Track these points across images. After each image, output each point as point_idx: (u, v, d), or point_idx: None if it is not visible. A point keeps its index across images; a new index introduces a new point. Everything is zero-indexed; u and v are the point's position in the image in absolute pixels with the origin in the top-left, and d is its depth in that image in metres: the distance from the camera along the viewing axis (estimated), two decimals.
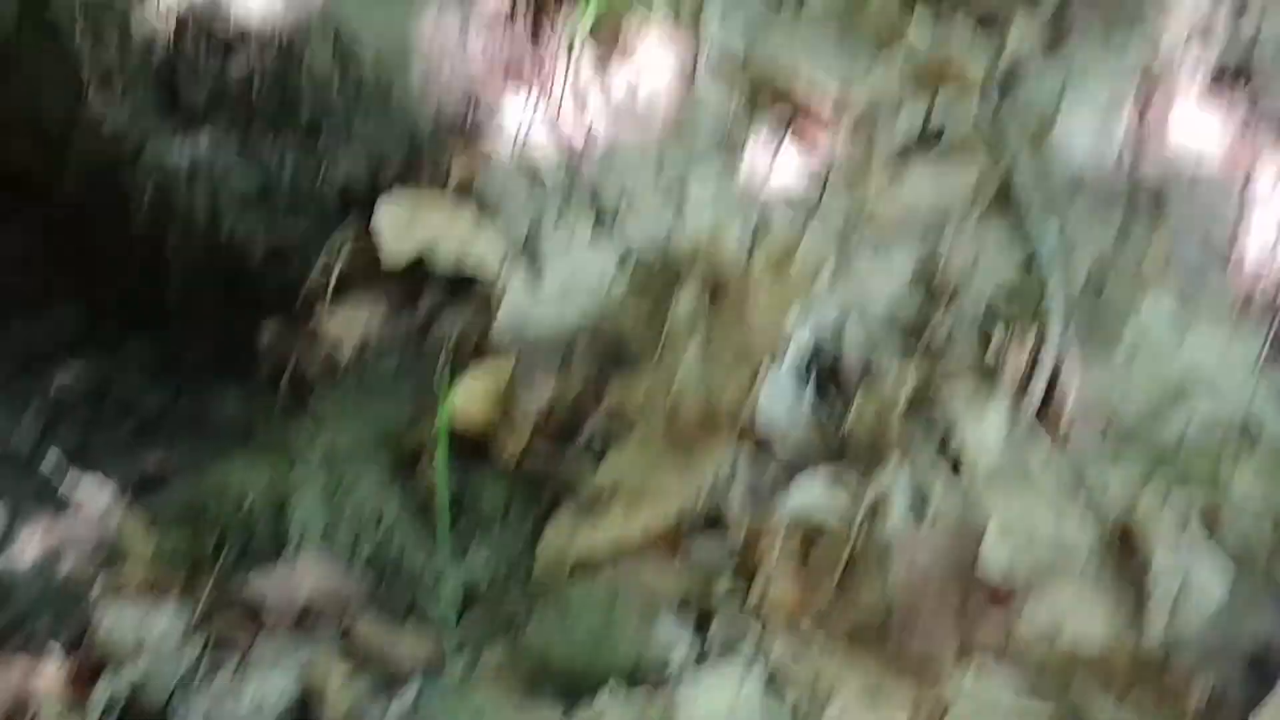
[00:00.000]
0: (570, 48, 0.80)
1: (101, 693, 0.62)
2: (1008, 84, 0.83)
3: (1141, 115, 0.80)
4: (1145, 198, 0.78)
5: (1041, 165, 0.79)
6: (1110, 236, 0.77)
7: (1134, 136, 0.79)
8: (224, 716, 0.65)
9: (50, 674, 0.63)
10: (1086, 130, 0.79)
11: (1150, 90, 0.80)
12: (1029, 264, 0.77)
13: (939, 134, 0.82)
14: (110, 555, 0.69)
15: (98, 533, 0.71)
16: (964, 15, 0.86)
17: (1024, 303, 0.76)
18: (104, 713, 0.61)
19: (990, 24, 0.86)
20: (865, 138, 0.82)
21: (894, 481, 0.72)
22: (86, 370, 0.88)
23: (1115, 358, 0.74)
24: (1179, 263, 0.77)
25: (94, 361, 0.87)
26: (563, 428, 0.73)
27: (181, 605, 0.66)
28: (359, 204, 0.79)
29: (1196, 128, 0.80)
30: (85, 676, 0.63)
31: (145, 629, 0.64)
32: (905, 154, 0.82)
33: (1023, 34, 0.85)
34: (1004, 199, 0.79)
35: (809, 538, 0.70)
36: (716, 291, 0.75)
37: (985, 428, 0.73)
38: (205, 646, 0.65)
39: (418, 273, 0.78)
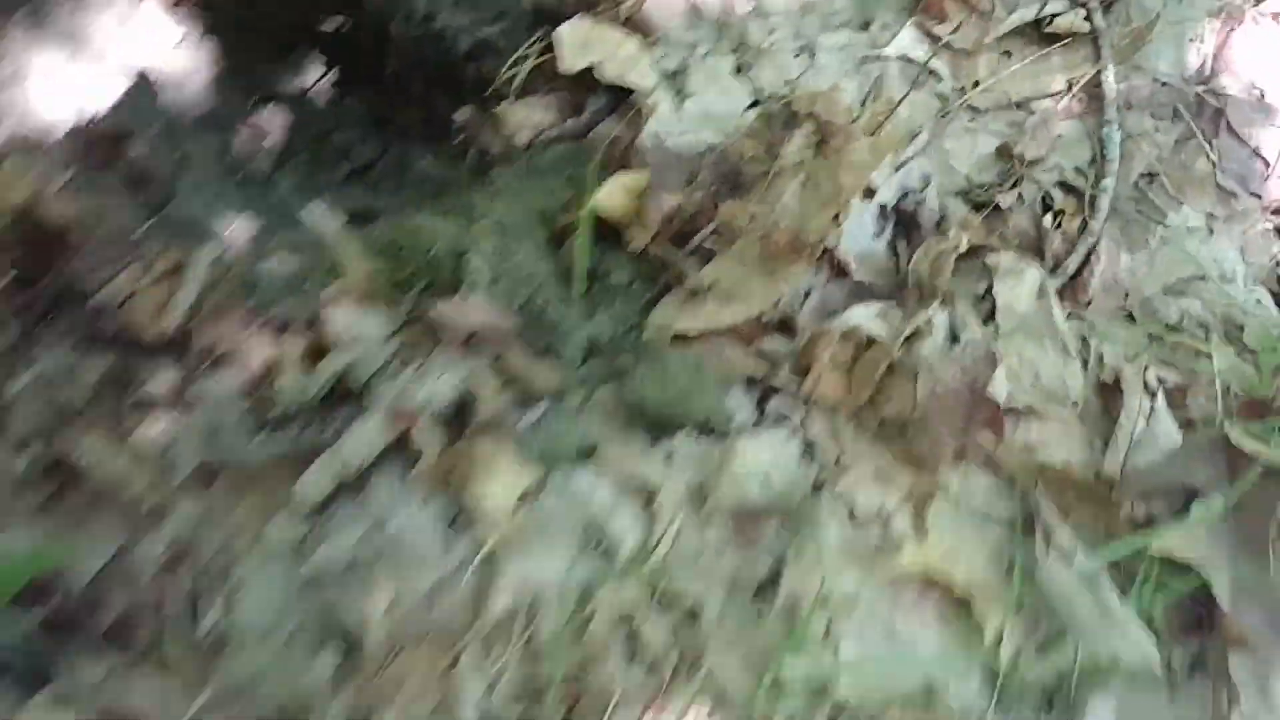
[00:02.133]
0: None
1: (326, 365, 0.86)
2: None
3: (1219, 44, 0.91)
4: (1208, 114, 0.91)
5: (1129, 73, 0.92)
6: (1169, 144, 0.90)
7: (1209, 61, 0.91)
8: (404, 401, 0.89)
9: (292, 346, 0.88)
10: (1172, 48, 0.91)
11: (1227, 22, 0.91)
12: (1093, 160, 0.91)
13: (1048, 29, 0.94)
14: (333, 269, 0.92)
15: (325, 251, 0.93)
16: None
17: (1079, 192, 0.91)
18: (326, 381, 0.86)
19: None
20: (983, 22, 0.95)
21: (937, 314, 0.90)
22: (312, 117, 1.09)
23: (1144, 250, 0.89)
24: (1223, 173, 0.90)
25: (319, 111, 1.08)
26: (681, 230, 0.92)
27: (384, 315, 0.89)
28: (548, 19, 0.96)
29: (1259, 58, 0.91)
30: (315, 354, 0.88)
31: (358, 327, 0.87)
32: (1013, 38, 0.95)
33: None
34: (1090, 99, 0.93)
35: (858, 349, 0.89)
36: (824, 138, 0.91)
37: (1020, 287, 0.90)
38: (398, 349, 0.89)
39: (586, 83, 0.96)
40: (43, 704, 0.87)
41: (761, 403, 0.90)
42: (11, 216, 0.95)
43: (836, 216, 0.89)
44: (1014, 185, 0.92)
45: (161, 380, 0.93)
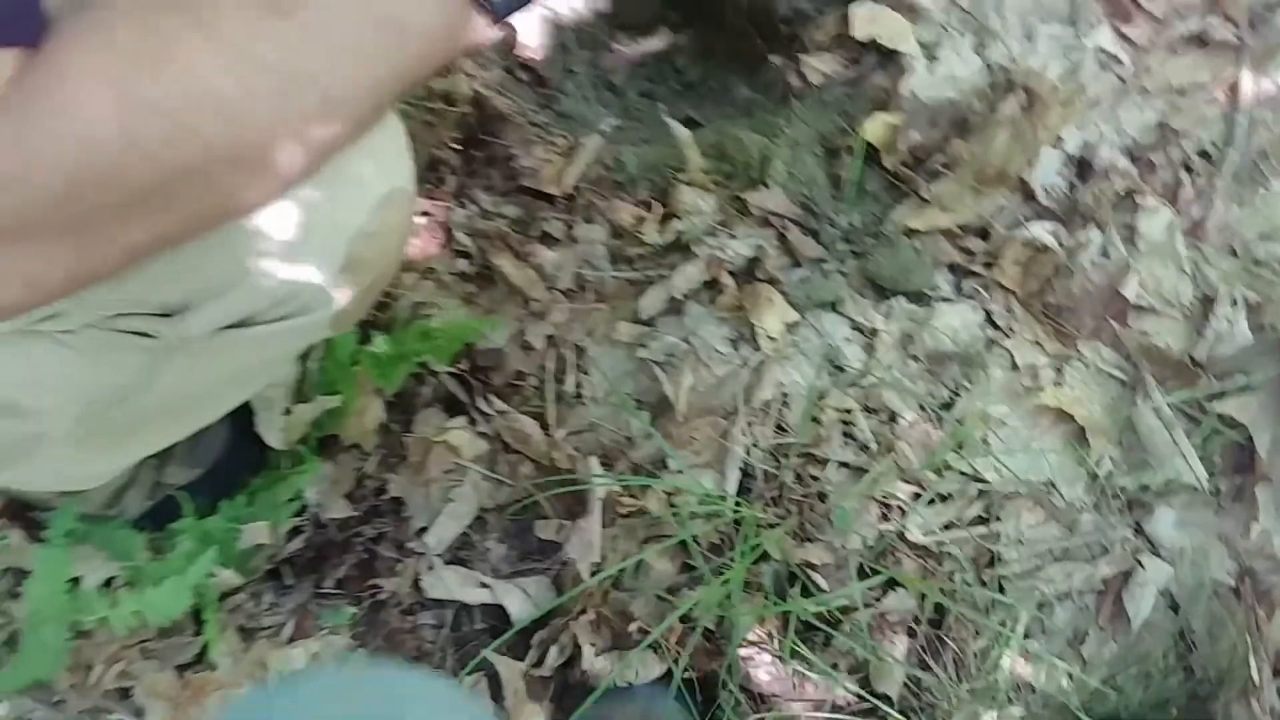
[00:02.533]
0: None
1: (672, 227, 1.31)
2: (1265, 17, 1.28)
3: None
4: None
5: (1259, 77, 1.26)
6: None
7: None
8: (717, 255, 1.34)
9: (649, 216, 1.33)
10: None
11: None
12: (1226, 135, 1.27)
13: (1206, 38, 1.29)
14: (679, 161, 1.37)
15: (673, 147, 1.38)
16: None
17: (1210, 158, 1.26)
18: (669, 237, 1.32)
19: None
20: (1159, 27, 1.30)
21: (1094, 234, 1.28)
22: (659, 42, 1.52)
23: (1250, 206, 1.25)
24: None
25: (666, 39, 1.51)
26: (920, 157, 1.32)
27: (712, 197, 1.33)
28: (840, 1, 1.36)
29: None
30: (664, 218, 1.33)
31: (695, 204, 1.32)
32: (1180, 42, 1.30)
33: None
34: (1230, 91, 1.28)
35: (1034, 253, 1.29)
36: (1031, 102, 1.30)
37: (1156, 222, 1.27)
38: (718, 220, 1.33)
39: (866, 46, 1.36)
40: (459, 424, 1.36)
41: (959, 283, 1.30)
42: (467, 102, 1.42)
43: (1032, 158, 1.27)
44: (1165, 148, 1.28)
45: (555, 224, 1.40)
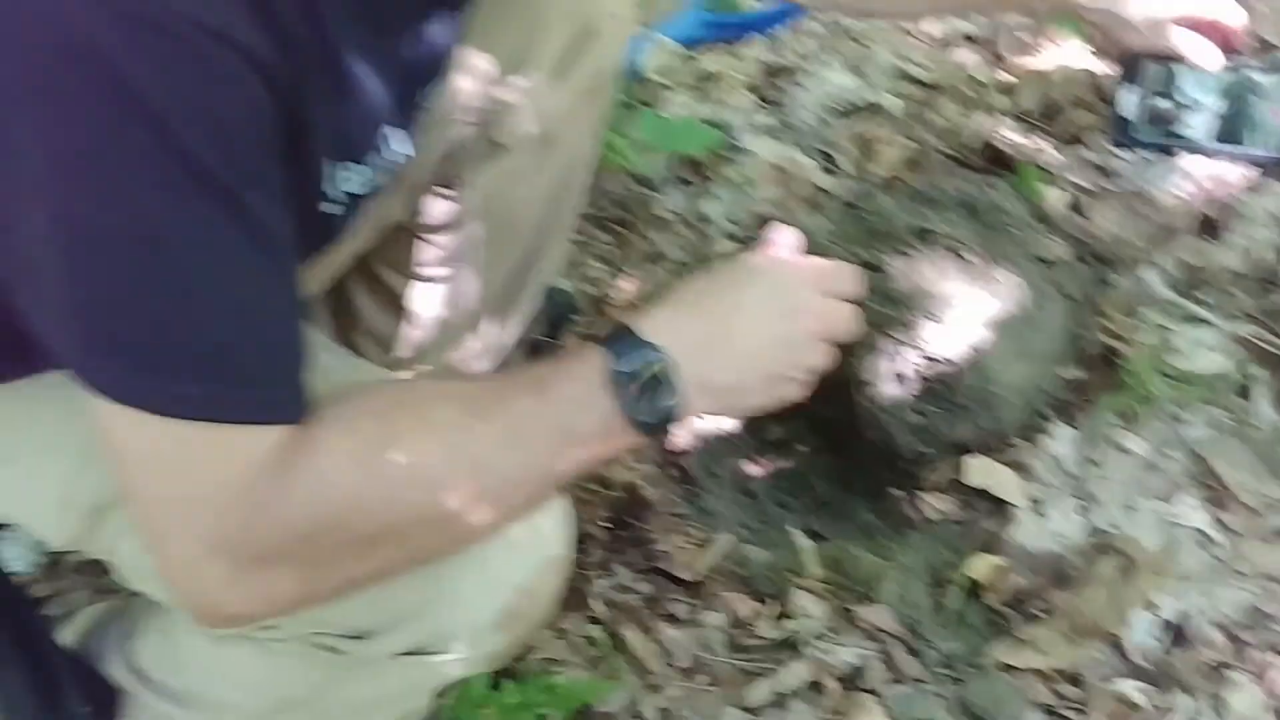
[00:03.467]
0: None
1: (787, 625, 1.44)
2: None
3: None
4: None
5: None
6: None
7: None
8: (824, 659, 1.45)
9: (766, 613, 1.48)
10: None
11: None
12: None
13: None
14: (798, 566, 1.52)
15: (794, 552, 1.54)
16: None
17: None
18: (782, 635, 1.44)
19: None
20: (1254, 517, 1.43)
21: (1182, 701, 1.35)
22: (797, 461, 1.72)
23: None
24: None
25: (802, 460, 1.71)
26: (1021, 599, 1.44)
27: (826, 604, 1.47)
28: (961, 450, 1.55)
29: None
30: (780, 615, 1.47)
31: (812, 609, 1.46)
32: (1276, 535, 1.43)
33: None
34: None
35: (1126, 708, 1.36)
36: (1127, 567, 1.42)
37: (1245, 698, 1.34)
38: (829, 627, 1.46)
39: (978, 491, 1.53)
40: None
41: None
42: (621, 488, 1.63)
43: (1125, 618, 1.38)
44: (1257, 630, 1.37)
45: (681, 606, 1.55)
